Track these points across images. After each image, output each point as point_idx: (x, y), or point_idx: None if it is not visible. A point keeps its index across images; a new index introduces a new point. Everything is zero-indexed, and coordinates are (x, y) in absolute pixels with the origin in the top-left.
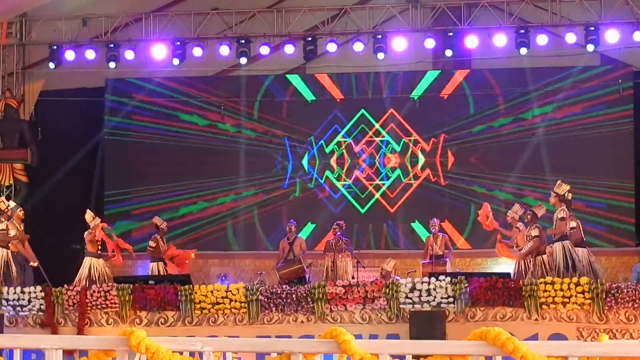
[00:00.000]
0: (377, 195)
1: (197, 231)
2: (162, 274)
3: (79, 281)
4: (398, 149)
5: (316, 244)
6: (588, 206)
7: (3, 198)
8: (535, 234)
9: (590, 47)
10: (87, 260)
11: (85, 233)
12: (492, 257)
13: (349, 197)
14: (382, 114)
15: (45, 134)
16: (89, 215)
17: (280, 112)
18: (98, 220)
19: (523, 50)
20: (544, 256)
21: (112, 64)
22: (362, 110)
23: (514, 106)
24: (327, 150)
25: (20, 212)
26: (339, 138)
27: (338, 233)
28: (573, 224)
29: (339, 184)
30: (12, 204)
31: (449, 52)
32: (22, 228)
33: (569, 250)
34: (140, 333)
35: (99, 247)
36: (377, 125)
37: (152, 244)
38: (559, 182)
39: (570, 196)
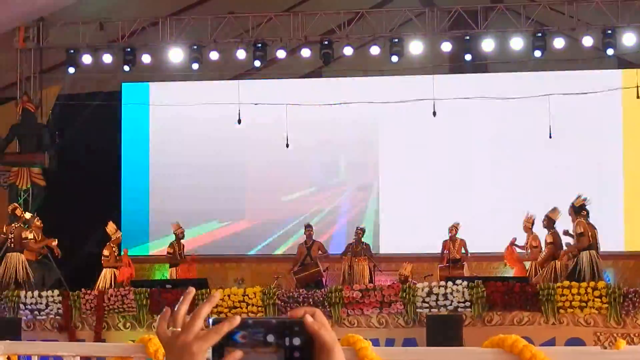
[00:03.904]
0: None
1: (214, 234)
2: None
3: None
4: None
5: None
6: (605, 210)
7: (17, 205)
8: (550, 240)
9: (607, 51)
10: (105, 272)
11: (105, 247)
12: None
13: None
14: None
15: (63, 138)
16: (111, 227)
17: (298, 116)
18: (119, 233)
19: (539, 54)
20: (557, 262)
21: (128, 68)
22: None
23: (531, 110)
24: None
25: (38, 222)
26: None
27: (355, 238)
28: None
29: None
30: (27, 215)
31: (468, 57)
32: (40, 237)
33: (595, 260)
34: (158, 340)
35: (116, 258)
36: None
37: (169, 250)
38: (577, 194)
39: (580, 204)
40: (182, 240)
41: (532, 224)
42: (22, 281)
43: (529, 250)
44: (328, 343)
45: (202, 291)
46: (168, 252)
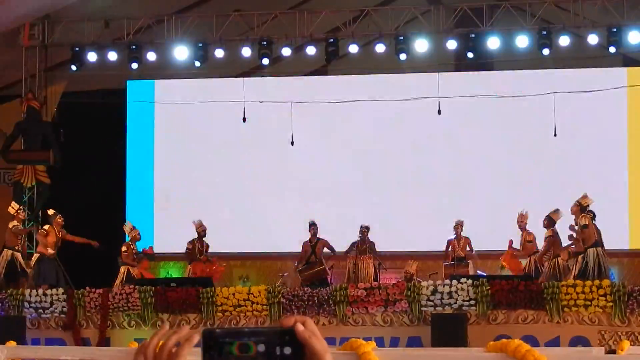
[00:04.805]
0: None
1: (219, 232)
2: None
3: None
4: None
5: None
6: (610, 207)
7: (13, 203)
8: (549, 234)
9: (612, 49)
10: (124, 269)
11: (124, 244)
12: None
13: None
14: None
15: (68, 136)
16: (127, 226)
17: (301, 114)
18: (136, 232)
19: (545, 52)
20: (559, 259)
21: (134, 66)
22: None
23: (536, 108)
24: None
25: (59, 219)
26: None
27: (360, 236)
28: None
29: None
30: (51, 211)
31: (470, 55)
32: (60, 235)
33: (602, 257)
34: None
35: (134, 256)
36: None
37: (189, 246)
38: (584, 193)
39: (587, 204)
40: (204, 239)
41: (526, 221)
42: (16, 275)
43: (522, 247)
44: (319, 352)
45: (207, 290)
46: (188, 248)
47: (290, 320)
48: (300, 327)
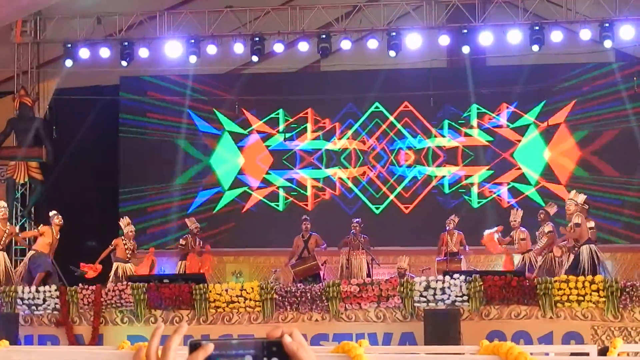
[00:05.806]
0: (392, 196)
1: (211, 229)
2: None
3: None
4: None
5: (331, 243)
6: (603, 202)
7: None
8: (549, 229)
9: (605, 44)
10: (115, 265)
11: (118, 239)
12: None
13: (363, 197)
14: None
15: (60, 132)
16: (123, 220)
17: (295, 109)
18: (131, 227)
19: (536, 48)
20: (554, 254)
21: (125, 62)
22: (377, 103)
23: (529, 103)
24: (339, 147)
25: (57, 220)
26: (352, 135)
27: (352, 231)
28: (591, 223)
29: (352, 185)
30: (52, 212)
31: (465, 49)
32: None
33: (595, 254)
34: None
35: (128, 253)
36: (391, 117)
37: (182, 242)
38: (574, 192)
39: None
40: (197, 236)
41: (519, 219)
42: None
43: (517, 244)
44: None
45: (199, 286)
46: (180, 244)
47: (278, 331)
48: (287, 339)
